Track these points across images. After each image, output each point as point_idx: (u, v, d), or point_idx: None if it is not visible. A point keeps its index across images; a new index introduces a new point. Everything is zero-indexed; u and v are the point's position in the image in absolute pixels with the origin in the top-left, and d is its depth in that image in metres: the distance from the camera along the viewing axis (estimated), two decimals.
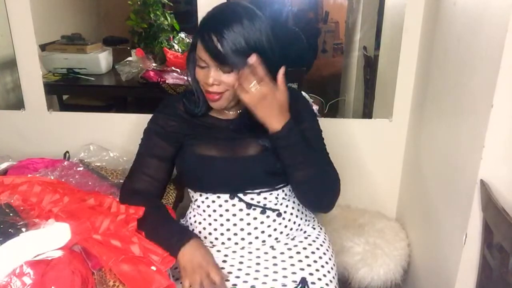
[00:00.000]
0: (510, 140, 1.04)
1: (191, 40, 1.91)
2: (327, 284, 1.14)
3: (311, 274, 1.15)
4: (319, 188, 1.16)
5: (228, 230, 1.20)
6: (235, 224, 1.20)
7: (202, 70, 1.12)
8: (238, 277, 1.14)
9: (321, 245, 1.25)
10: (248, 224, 1.19)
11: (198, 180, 1.23)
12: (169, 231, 1.10)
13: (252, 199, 1.20)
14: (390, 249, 1.58)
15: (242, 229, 1.20)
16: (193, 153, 1.20)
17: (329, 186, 1.18)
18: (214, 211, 1.21)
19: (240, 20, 1.06)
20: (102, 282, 1.00)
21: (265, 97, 1.04)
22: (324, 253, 1.23)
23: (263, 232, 1.20)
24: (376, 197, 1.83)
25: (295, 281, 1.12)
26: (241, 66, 1.05)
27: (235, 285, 1.12)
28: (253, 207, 1.20)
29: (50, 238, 1.01)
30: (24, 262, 0.94)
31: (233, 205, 1.20)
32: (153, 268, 1.02)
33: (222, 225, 1.20)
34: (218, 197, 1.21)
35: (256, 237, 1.20)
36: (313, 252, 1.22)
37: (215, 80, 1.10)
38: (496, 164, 1.06)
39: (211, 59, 1.08)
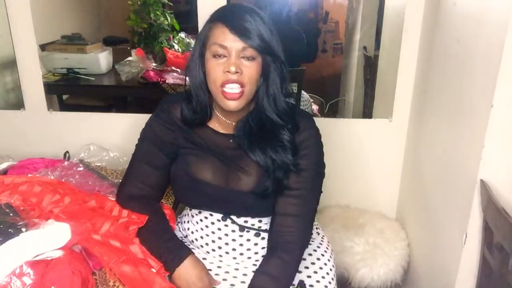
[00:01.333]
0: (510, 140, 1.04)
1: (191, 40, 1.94)
2: (326, 286, 1.13)
3: (309, 276, 1.14)
4: None
5: (220, 248, 1.17)
6: (227, 244, 1.16)
7: (219, 61, 1.02)
8: (235, 277, 1.13)
9: (318, 247, 1.24)
10: (241, 245, 1.15)
11: (190, 199, 1.19)
12: (164, 247, 1.08)
13: (246, 221, 1.15)
14: (390, 249, 1.58)
15: (234, 249, 1.16)
16: (187, 174, 1.13)
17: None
18: (207, 226, 1.17)
19: (257, 11, 1.04)
20: (103, 281, 1.00)
21: None
22: (323, 254, 1.22)
23: (256, 253, 1.17)
24: (376, 197, 1.83)
25: (293, 284, 1.11)
26: (262, 50, 1.02)
27: (232, 285, 1.12)
28: (246, 229, 1.15)
29: (50, 238, 1.01)
30: (24, 262, 0.94)
31: (226, 225, 1.15)
32: (153, 270, 1.02)
33: (214, 241, 1.17)
34: (211, 214, 1.16)
35: (249, 257, 1.17)
36: (310, 254, 1.21)
37: (238, 67, 1.01)
38: (496, 164, 1.06)
39: (234, 34, 1.00)
